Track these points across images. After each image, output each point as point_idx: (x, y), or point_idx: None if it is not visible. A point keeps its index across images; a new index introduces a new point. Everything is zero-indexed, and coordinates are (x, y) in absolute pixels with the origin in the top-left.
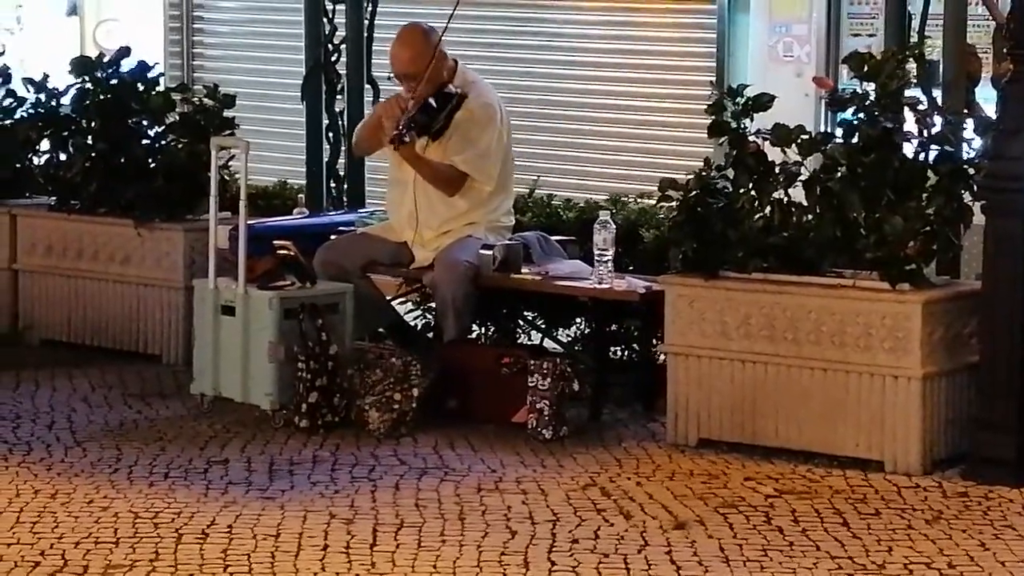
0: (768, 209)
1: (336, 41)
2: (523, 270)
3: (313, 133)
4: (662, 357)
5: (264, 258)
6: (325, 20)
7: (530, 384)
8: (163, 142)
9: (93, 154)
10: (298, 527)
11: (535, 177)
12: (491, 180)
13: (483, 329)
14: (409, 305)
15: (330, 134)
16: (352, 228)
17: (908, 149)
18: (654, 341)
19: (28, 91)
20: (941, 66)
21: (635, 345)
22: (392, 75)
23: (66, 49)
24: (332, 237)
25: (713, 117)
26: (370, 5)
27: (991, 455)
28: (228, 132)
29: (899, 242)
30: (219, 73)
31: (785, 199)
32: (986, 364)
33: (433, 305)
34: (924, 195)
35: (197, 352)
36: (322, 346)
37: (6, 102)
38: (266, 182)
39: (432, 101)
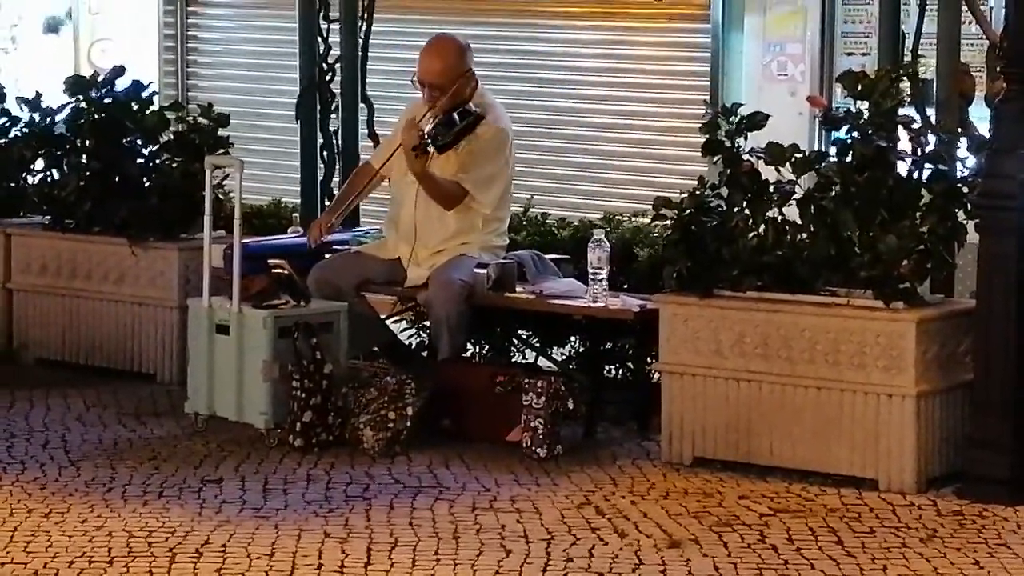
0: (762, 227)
1: (331, 60)
2: (517, 289)
3: (308, 152)
4: (656, 375)
5: (258, 277)
6: (320, 39)
7: (524, 403)
8: (157, 161)
9: (87, 173)
10: (292, 546)
11: (529, 196)
12: (489, 204)
13: (477, 348)
14: (403, 324)
15: (324, 153)
16: (346, 247)
17: (902, 168)
18: (648, 359)
19: (22, 110)
20: (935, 85)
21: (629, 363)
22: (416, 79)
23: (60, 68)
24: (326, 256)
25: (707, 136)
26: (365, 24)
27: (985, 473)
28: (222, 151)
29: (893, 261)
30: (213, 92)
31: (779, 218)
32: (980, 382)
33: (427, 324)
34: (918, 214)
35: (191, 371)
36: (316, 365)
37: (0, 121)
38: (260, 201)
39: (456, 116)
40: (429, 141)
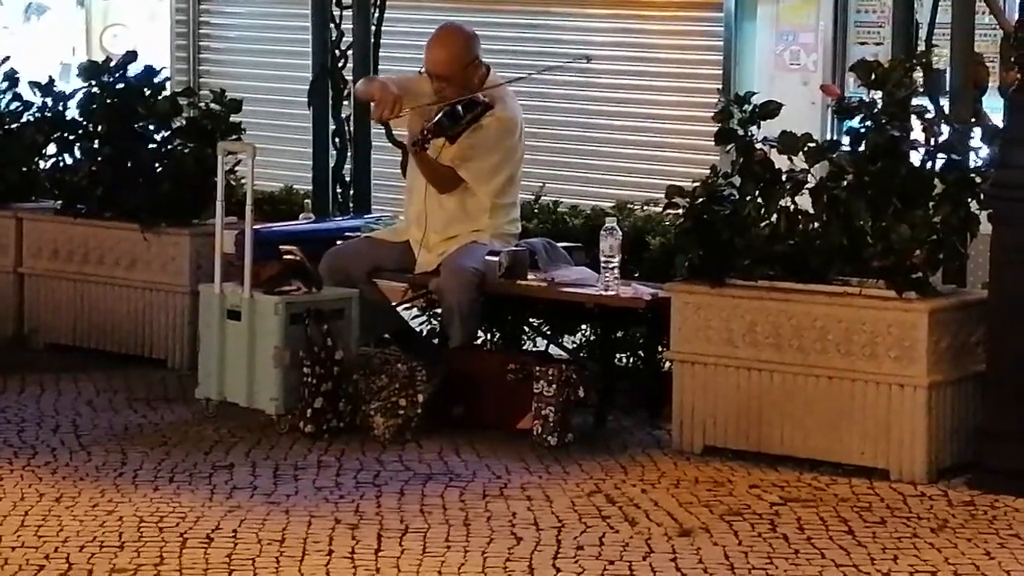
0: (775, 217)
1: (343, 47)
2: (529, 276)
3: (319, 138)
4: (668, 364)
5: (270, 263)
6: (332, 26)
7: (535, 390)
8: (169, 146)
9: (99, 158)
10: (303, 532)
11: (540, 184)
12: (491, 193)
13: (489, 335)
14: (415, 311)
15: (336, 139)
16: (358, 233)
17: (915, 157)
18: (660, 348)
19: (35, 95)
20: (948, 75)
21: (641, 352)
22: (423, 70)
23: (65, 50)
24: (338, 242)
25: (720, 124)
26: (377, 11)
27: (997, 464)
28: (234, 137)
29: (906, 250)
30: (225, 78)
31: (792, 207)
32: (992, 373)
33: (439, 311)
34: (931, 204)
35: (202, 357)
36: (327, 351)
37: (13, 106)
38: (272, 187)
39: (460, 108)
40: (430, 137)
